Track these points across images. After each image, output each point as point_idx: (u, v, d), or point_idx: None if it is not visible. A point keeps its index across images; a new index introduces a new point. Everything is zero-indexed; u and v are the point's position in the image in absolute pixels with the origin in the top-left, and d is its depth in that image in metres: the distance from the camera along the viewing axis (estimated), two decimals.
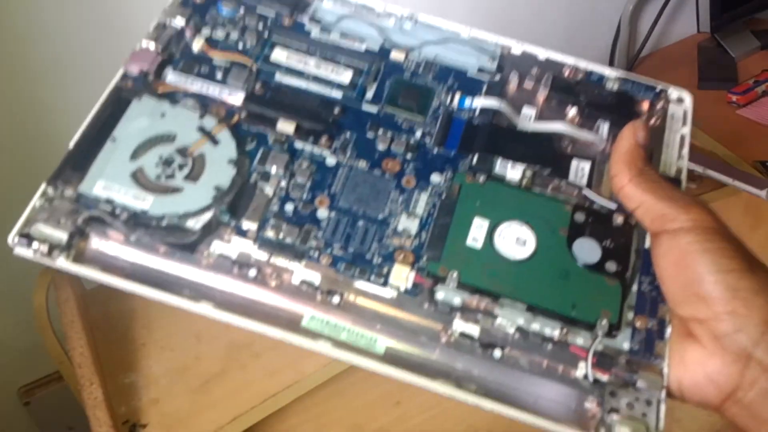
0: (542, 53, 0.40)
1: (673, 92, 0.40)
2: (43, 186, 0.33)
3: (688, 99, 0.40)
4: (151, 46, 0.37)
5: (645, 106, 0.39)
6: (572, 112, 0.38)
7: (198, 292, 0.32)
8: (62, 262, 0.31)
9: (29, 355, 0.81)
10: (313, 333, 0.31)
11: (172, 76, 0.37)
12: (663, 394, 0.30)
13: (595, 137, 0.37)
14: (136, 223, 0.32)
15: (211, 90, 0.36)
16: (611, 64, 1.16)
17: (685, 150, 0.38)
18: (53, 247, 0.31)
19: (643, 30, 1.12)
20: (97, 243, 0.32)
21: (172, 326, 0.67)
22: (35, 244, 0.31)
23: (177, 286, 0.32)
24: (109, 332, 0.66)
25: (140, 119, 0.35)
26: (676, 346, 0.31)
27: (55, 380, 0.84)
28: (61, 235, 0.32)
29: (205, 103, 0.36)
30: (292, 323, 0.31)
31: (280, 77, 0.37)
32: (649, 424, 0.30)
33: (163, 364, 0.64)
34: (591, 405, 0.31)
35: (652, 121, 0.38)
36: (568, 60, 0.40)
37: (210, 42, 0.38)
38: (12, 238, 0.31)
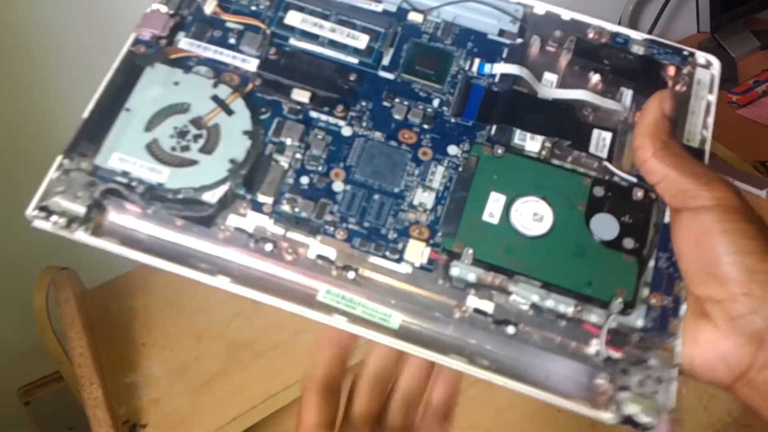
0: (566, 13, 0.39)
1: (701, 56, 0.38)
2: (59, 158, 0.33)
3: (716, 63, 0.38)
4: (162, 8, 0.36)
5: (671, 71, 0.38)
6: (595, 78, 0.37)
7: (215, 266, 0.32)
8: (81, 235, 0.32)
9: (29, 355, 0.80)
10: (329, 307, 0.31)
11: (184, 42, 0.36)
12: (675, 372, 0.31)
13: (618, 106, 0.36)
14: (153, 196, 0.32)
15: (225, 56, 0.36)
16: None
17: (711, 119, 0.37)
18: (71, 221, 0.32)
19: (643, 30, 1.10)
20: (114, 216, 0.32)
21: (172, 326, 0.66)
22: (54, 217, 0.32)
23: (194, 260, 0.32)
24: (109, 332, 0.65)
25: (153, 88, 0.34)
26: (690, 325, 0.31)
27: (55, 380, 0.83)
28: (79, 208, 0.32)
29: (218, 70, 0.35)
30: (308, 297, 0.32)
31: (295, 42, 0.36)
32: (659, 401, 0.30)
33: (163, 364, 0.64)
34: (602, 382, 0.31)
35: (678, 87, 0.37)
36: (593, 21, 0.39)
37: (222, 4, 0.37)
38: (30, 210, 0.32)
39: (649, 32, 1.08)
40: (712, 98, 0.37)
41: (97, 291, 0.69)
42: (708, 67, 0.38)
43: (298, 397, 0.61)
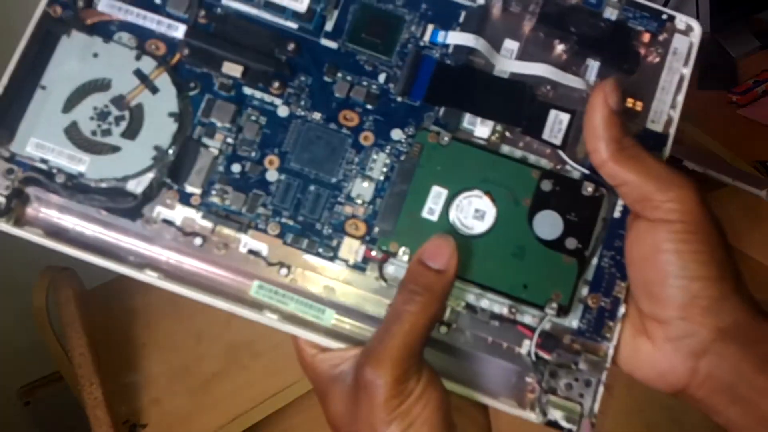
0: None
1: (681, 20, 0.35)
2: None
3: (697, 29, 0.35)
4: None
5: (645, 38, 0.34)
6: (559, 48, 0.34)
7: (143, 260, 0.31)
8: (4, 226, 0.31)
9: (29, 355, 0.79)
10: (260, 304, 0.31)
11: (104, 3, 0.32)
12: (603, 376, 0.31)
13: (581, 83, 0.33)
14: (74, 186, 0.31)
15: (149, 21, 0.32)
16: None
17: (681, 96, 0.34)
18: None
19: None
20: (37, 205, 0.31)
21: (172, 326, 0.65)
22: None
23: (122, 252, 0.31)
24: (109, 332, 0.64)
25: (70, 62, 0.31)
26: (631, 339, 0.31)
27: (55, 380, 0.82)
28: None
29: (142, 37, 0.32)
30: (240, 293, 0.31)
31: (227, 2, 0.33)
32: (584, 405, 0.31)
33: (163, 364, 0.63)
34: (531, 383, 0.31)
35: (651, 57, 0.34)
36: None
37: None
38: None
39: None
40: (687, 71, 0.34)
41: (97, 291, 0.69)
42: (687, 33, 0.35)
43: (298, 397, 0.62)
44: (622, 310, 0.31)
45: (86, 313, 0.63)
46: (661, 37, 0.34)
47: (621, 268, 0.32)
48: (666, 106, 0.34)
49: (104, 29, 0.32)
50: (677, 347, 0.29)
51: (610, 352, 0.31)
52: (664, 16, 0.34)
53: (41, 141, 0.31)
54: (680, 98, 0.34)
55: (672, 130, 0.33)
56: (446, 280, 0.29)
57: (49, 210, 0.31)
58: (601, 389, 0.31)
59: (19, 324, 0.76)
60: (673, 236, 0.28)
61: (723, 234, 0.29)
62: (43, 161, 0.30)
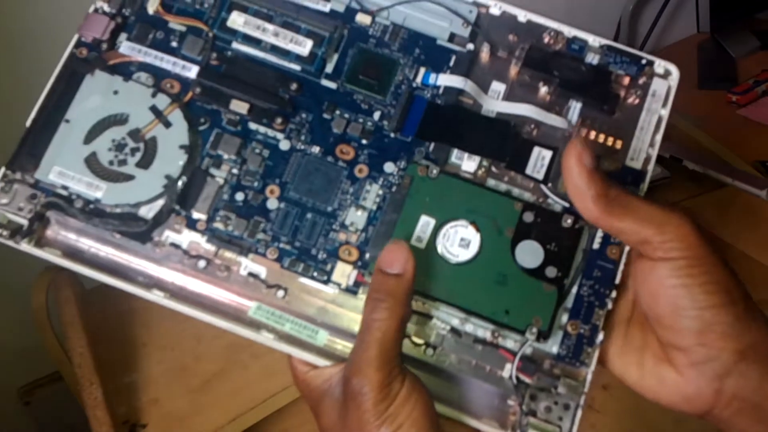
0: (522, 14, 0.37)
1: (660, 65, 0.37)
2: (2, 170, 0.34)
3: (675, 73, 0.37)
4: (105, 7, 0.36)
5: (624, 81, 0.36)
6: (543, 90, 0.36)
7: (151, 280, 0.34)
8: (25, 246, 0.33)
9: (29, 355, 0.79)
10: (258, 323, 0.33)
11: (125, 46, 0.36)
12: (582, 399, 0.32)
13: (563, 123, 0.36)
14: (91, 211, 0.33)
15: (165, 62, 0.35)
16: None
17: (659, 136, 0.36)
18: (15, 232, 0.33)
19: (643, 30, 1.10)
20: (56, 228, 0.34)
21: (172, 326, 0.66)
22: (0, 230, 0.33)
23: (132, 273, 0.34)
24: (109, 332, 0.65)
25: (93, 98, 0.34)
26: (654, 367, 0.32)
27: (55, 380, 0.82)
28: (22, 220, 0.33)
29: (159, 76, 0.35)
30: (239, 313, 0.33)
31: (237, 46, 0.36)
32: (563, 428, 0.32)
33: (163, 364, 0.63)
34: (513, 406, 0.33)
35: (631, 99, 0.36)
36: (550, 23, 0.37)
37: (165, 2, 0.36)
38: None
39: (649, 32, 1.05)
40: (665, 113, 0.36)
41: (97, 291, 0.69)
42: (666, 77, 0.37)
43: (298, 397, 0.62)
44: (600, 336, 0.33)
45: (86, 313, 0.63)
46: (640, 81, 0.37)
47: (599, 297, 0.33)
48: (645, 145, 0.36)
49: (125, 69, 0.35)
50: (701, 371, 0.30)
51: (589, 377, 0.33)
52: (644, 61, 0.37)
53: (63, 169, 0.33)
54: (658, 137, 0.36)
55: (650, 167, 0.35)
56: (406, 282, 0.31)
57: (67, 232, 0.34)
58: (579, 413, 0.32)
59: (19, 324, 0.77)
60: (678, 272, 0.30)
61: (724, 259, 0.30)
62: (64, 188, 0.33)
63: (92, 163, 0.34)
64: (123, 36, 0.36)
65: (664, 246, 0.30)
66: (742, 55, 1.08)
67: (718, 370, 0.30)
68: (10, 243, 0.33)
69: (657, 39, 1.16)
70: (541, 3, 1.01)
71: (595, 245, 0.34)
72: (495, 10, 0.37)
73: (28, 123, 0.34)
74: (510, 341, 0.33)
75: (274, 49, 0.36)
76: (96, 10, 0.36)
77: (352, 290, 0.33)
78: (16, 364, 0.83)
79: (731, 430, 0.31)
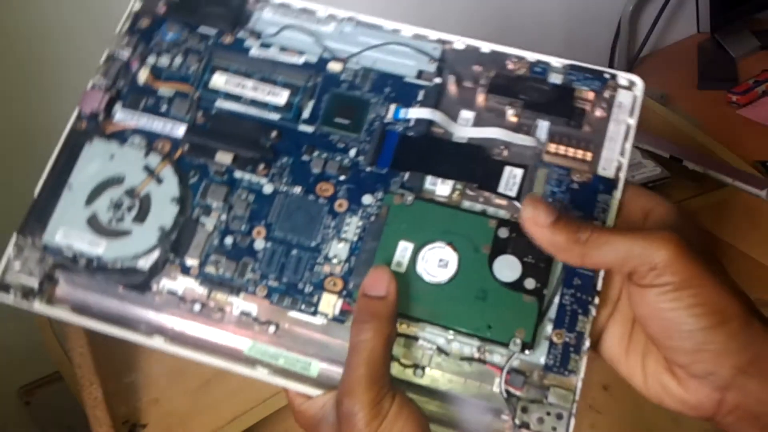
0: (486, 46, 0.39)
1: (623, 77, 0.38)
2: (14, 237, 0.37)
3: (639, 84, 0.38)
4: (101, 82, 0.39)
5: (589, 96, 0.38)
6: (510, 113, 0.38)
7: (152, 327, 0.36)
8: (38, 306, 0.36)
9: (29, 355, 0.80)
10: (254, 360, 0.35)
11: (120, 114, 0.39)
12: (574, 408, 0.32)
13: (531, 141, 0.37)
14: (95, 267, 0.36)
15: (156, 125, 0.38)
16: (611, 64, 1.15)
17: (629, 144, 0.37)
18: (28, 293, 0.36)
19: (643, 30, 1.11)
20: (65, 286, 0.36)
21: None
22: (13, 292, 0.36)
23: (134, 322, 0.36)
24: None
25: (92, 164, 0.37)
26: (658, 375, 0.32)
27: (55, 380, 0.82)
28: (33, 283, 0.36)
29: (151, 138, 0.38)
30: (235, 352, 0.35)
31: (220, 103, 0.39)
32: None
33: (163, 364, 0.64)
34: (507, 420, 0.33)
35: (598, 113, 0.37)
36: (513, 51, 0.39)
37: (155, 71, 0.40)
38: None
39: (649, 32, 1.07)
40: (633, 122, 0.37)
41: None
42: (631, 88, 0.38)
43: None
44: (587, 344, 0.33)
45: None
46: (605, 94, 0.38)
47: (582, 304, 0.34)
48: (615, 154, 0.37)
49: (120, 135, 0.38)
50: (701, 384, 0.30)
51: (578, 384, 0.33)
52: (606, 75, 0.38)
53: (68, 231, 0.36)
54: (628, 145, 0.37)
55: (622, 175, 0.36)
56: (389, 304, 0.32)
57: (75, 289, 0.36)
58: (572, 422, 0.32)
59: (19, 324, 0.77)
60: (666, 297, 0.30)
61: (717, 274, 0.30)
62: (69, 248, 0.36)
63: (93, 223, 0.36)
64: (118, 105, 0.39)
65: (650, 274, 0.30)
66: (742, 55, 1.07)
67: (717, 383, 0.30)
68: (24, 304, 0.36)
69: (657, 39, 1.16)
70: (542, 4, 1.04)
71: None
72: (459, 45, 0.39)
73: (36, 192, 0.37)
74: (497, 356, 0.33)
75: (254, 102, 0.39)
76: (93, 86, 0.39)
77: (339, 319, 0.35)
78: (16, 364, 0.83)
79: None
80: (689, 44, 1.13)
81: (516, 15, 1.01)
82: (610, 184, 0.36)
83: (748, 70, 1.04)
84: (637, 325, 0.34)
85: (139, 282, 0.36)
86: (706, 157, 0.75)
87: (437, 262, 0.34)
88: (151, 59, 0.40)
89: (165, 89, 0.39)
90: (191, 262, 0.36)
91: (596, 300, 0.34)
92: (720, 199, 0.75)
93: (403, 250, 0.35)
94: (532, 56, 0.39)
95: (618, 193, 0.36)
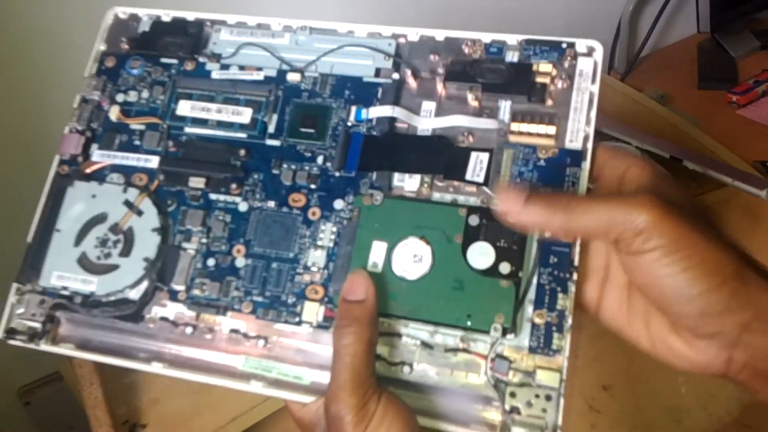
0: (439, 33, 0.39)
1: (581, 44, 0.37)
2: (14, 286, 0.39)
3: (598, 48, 0.37)
4: (76, 126, 0.41)
5: (548, 68, 0.37)
6: (470, 98, 0.37)
7: (150, 354, 0.37)
8: (44, 346, 0.38)
9: (29, 355, 0.77)
10: (249, 375, 0.36)
11: (97, 155, 0.40)
12: (562, 387, 0.32)
13: (493, 123, 0.37)
14: (89, 303, 0.37)
15: (131, 159, 0.40)
16: (611, 64, 1.13)
17: (593, 113, 0.36)
18: (33, 336, 0.38)
19: (643, 30, 1.11)
20: (66, 324, 0.38)
21: None
22: (20, 336, 0.38)
23: (134, 351, 0.37)
24: None
25: (76, 206, 0.39)
26: (662, 337, 0.32)
27: (55, 380, 0.82)
28: (36, 325, 0.38)
29: (128, 173, 0.39)
30: (231, 369, 0.36)
31: (189, 129, 0.40)
32: (547, 420, 0.32)
33: None
34: (496, 407, 0.33)
35: (560, 84, 0.37)
36: (466, 35, 0.39)
37: (124, 108, 0.41)
38: (0, 334, 0.38)
39: (649, 32, 1.06)
40: (595, 89, 0.37)
41: None
42: (591, 53, 0.37)
43: None
44: (569, 321, 0.33)
45: None
46: (565, 64, 0.37)
47: (560, 282, 0.33)
48: (581, 124, 0.36)
49: (99, 174, 0.40)
50: (708, 344, 0.30)
51: (565, 363, 0.32)
52: (564, 45, 0.37)
53: (61, 273, 0.38)
54: (593, 114, 0.36)
55: (590, 145, 0.36)
56: (369, 307, 0.32)
57: (76, 327, 0.38)
58: (561, 401, 0.32)
59: None
60: (658, 263, 0.29)
61: (707, 230, 0.29)
62: (64, 288, 0.38)
63: (84, 262, 0.38)
64: (94, 146, 0.40)
65: (637, 240, 0.29)
66: (742, 55, 1.07)
67: (723, 342, 0.29)
68: (31, 346, 0.38)
69: (657, 39, 1.16)
70: (541, 4, 1.03)
71: (547, 234, 0.34)
72: (413, 37, 0.39)
73: (29, 239, 0.39)
74: (480, 344, 0.34)
75: (220, 124, 0.39)
76: (70, 130, 0.41)
77: (323, 326, 0.35)
78: (16, 364, 0.83)
79: (748, 391, 0.30)
80: (689, 44, 1.13)
81: (516, 15, 1.01)
82: (578, 156, 0.35)
83: (748, 70, 1.04)
84: (633, 290, 0.33)
85: (132, 312, 0.37)
86: (706, 157, 0.74)
87: (412, 258, 0.35)
88: (119, 97, 0.41)
89: (136, 124, 0.40)
90: (178, 287, 0.37)
91: (575, 276, 0.33)
92: (720, 199, 0.74)
93: (378, 250, 0.35)
94: (486, 37, 0.38)
95: (587, 164, 0.35)
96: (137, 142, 0.40)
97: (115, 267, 0.38)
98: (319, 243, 0.36)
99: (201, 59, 0.41)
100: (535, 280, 0.34)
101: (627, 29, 1.09)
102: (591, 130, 0.36)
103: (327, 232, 0.37)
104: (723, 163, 0.73)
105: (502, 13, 1.00)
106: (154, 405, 0.62)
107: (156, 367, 0.36)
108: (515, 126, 0.36)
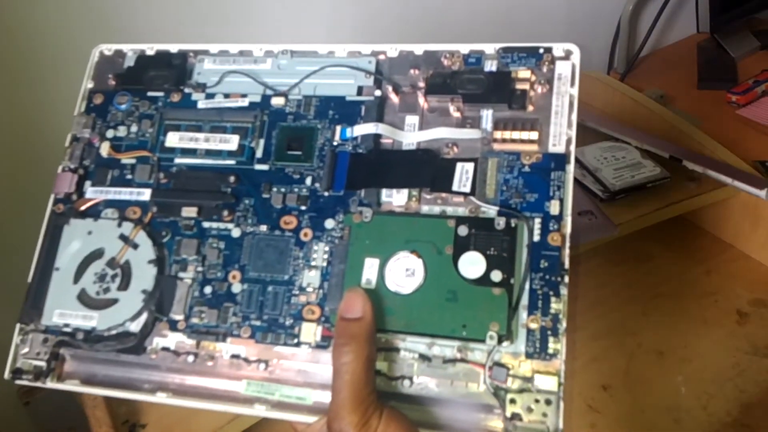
0: (418, 48, 0.40)
1: (558, 48, 0.38)
2: (18, 327, 0.39)
3: (576, 51, 0.38)
4: (69, 165, 0.41)
5: (527, 75, 0.37)
6: (452, 109, 0.38)
7: (154, 385, 0.37)
8: (50, 384, 0.38)
9: None
10: (252, 399, 0.36)
11: (90, 191, 0.41)
12: (561, 391, 0.32)
13: (475, 133, 0.37)
14: (91, 339, 0.38)
15: (123, 194, 0.40)
16: (611, 64, 1.13)
17: (574, 116, 0.36)
18: (39, 375, 0.38)
19: (642, 30, 1.11)
20: (71, 361, 0.39)
21: None
22: (26, 375, 0.38)
23: (138, 382, 0.38)
24: None
25: (73, 244, 0.40)
26: None
27: None
28: (42, 364, 0.38)
29: (122, 207, 0.40)
30: (234, 394, 0.36)
31: (178, 160, 0.40)
32: (548, 425, 0.32)
33: None
34: (498, 414, 0.33)
35: (540, 89, 0.37)
36: (444, 47, 0.39)
37: (114, 144, 0.42)
38: (7, 374, 0.39)
39: (649, 32, 1.07)
40: (575, 91, 0.37)
41: None
42: (568, 57, 0.37)
43: None
44: (564, 324, 0.33)
45: None
46: (543, 69, 0.37)
47: (552, 286, 0.34)
48: (563, 128, 0.36)
49: (94, 210, 0.40)
50: None
51: (562, 367, 0.33)
52: (541, 50, 0.38)
53: (62, 310, 0.38)
54: (574, 117, 0.36)
55: (572, 148, 0.36)
56: (366, 324, 0.33)
57: (80, 363, 0.39)
58: (561, 405, 0.32)
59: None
60: None
61: None
62: (66, 325, 0.38)
63: (84, 298, 0.39)
64: (88, 183, 0.41)
65: None
66: (742, 55, 1.07)
67: None
68: (38, 384, 0.39)
69: (656, 39, 1.16)
70: (543, 4, 1.03)
71: (536, 237, 0.34)
72: (392, 53, 0.40)
73: (29, 279, 0.40)
74: (477, 353, 0.34)
75: (209, 153, 0.40)
76: (63, 169, 0.42)
77: (322, 345, 0.36)
78: None
79: None
80: (689, 44, 1.13)
81: (516, 15, 1.01)
82: (561, 159, 0.36)
83: (748, 69, 1.03)
84: None
85: (133, 345, 0.38)
86: (706, 157, 0.74)
87: (404, 272, 0.35)
88: (109, 133, 0.42)
89: (126, 159, 0.41)
90: (177, 317, 0.37)
91: (566, 279, 0.33)
92: (720, 199, 0.74)
93: (370, 266, 0.36)
94: (464, 48, 0.39)
95: (571, 167, 0.35)
96: (129, 176, 0.41)
97: (114, 301, 0.38)
98: (313, 263, 0.37)
99: (186, 90, 0.42)
100: (527, 286, 0.34)
101: (627, 29, 1.09)
102: (573, 133, 0.36)
103: (320, 252, 0.37)
104: (723, 163, 0.73)
105: (503, 12, 0.99)
106: (154, 405, 0.58)
107: (161, 397, 0.37)
108: (498, 134, 0.37)
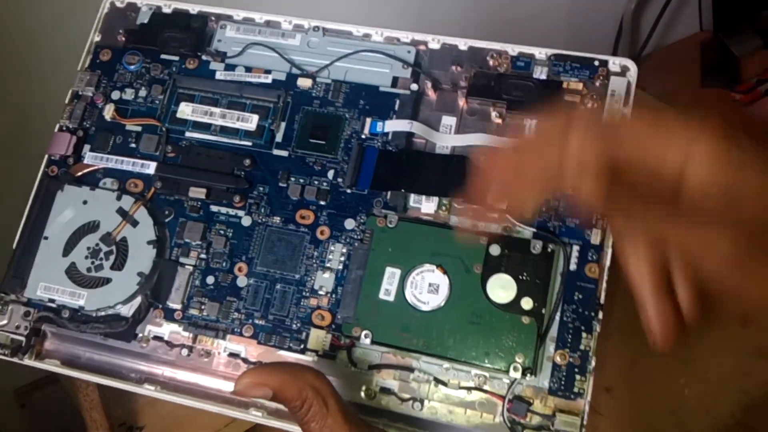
0: (462, 43, 0.37)
1: (614, 63, 0.35)
2: None
3: (633, 68, 0.35)
4: (67, 124, 0.38)
5: (579, 87, 0.35)
6: (494, 115, 0.35)
7: (142, 375, 0.35)
8: (28, 361, 0.35)
9: None
10: (247, 402, 0.33)
11: (89, 156, 0.37)
12: None
13: None
14: (78, 318, 0.35)
15: (126, 164, 0.37)
16: None
17: None
18: (17, 350, 0.35)
19: (645, 28, 1.08)
20: (52, 339, 0.36)
21: None
22: (2, 350, 0.35)
23: (125, 371, 0.35)
24: None
25: (66, 212, 0.36)
26: None
27: (52, 382, 0.81)
28: (20, 338, 0.35)
29: (122, 178, 0.37)
30: (227, 394, 0.34)
31: (189, 134, 0.37)
32: None
33: None
34: None
35: (589, 105, 0.35)
36: (492, 45, 0.36)
37: (119, 107, 0.38)
38: None
39: (651, 30, 1.05)
40: (627, 111, 0.34)
41: None
42: (624, 73, 0.35)
43: None
44: (592, 363, 0.31)
45: None
46: (597, 83, 0.35)
47: (585, 321, 0.31)
48: None
49: (91, 178, 0.37)
50: None
51: (585, 408, 0.31)
52: (596, 63, 0.35)
53: (48, 284, 0.35)
54: None
55: None
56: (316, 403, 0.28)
57: (62, 342, 0.36)
58: None
59: None
60: None
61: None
62: (51, 300, 0.35)
63: (72, 273, 0.35)
64: (87, 147, 0.38)
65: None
66: (746, 54, 1.04)
67: None
68: (14, 360, 0.36)
69: (659, 37, 1.14)
70: (544, 3, 1.00)
71: (572, 266, 0.32)
72: (434, 45, 0.37)
73: (14, 245, 0.36)
74: (497, 383, 0.32)
75: (224, 130, 0.37)
76: (60, 128, 0.38)
77: (330, 355, 0.33)
78: (12, 366, 0.81)
79: None
80: (692, 43, 1.09)
81: (517, 15, 0.99)
82: None
83: (752, 68, 1.00)
84: None
85: (123, 330, 0.35)
86: None
87: (427, 287, 0.33)
88: (115, 94, 0.38)
89: (132, 125, 0.38)
90: (174, 306, 0.35)
91: (600, 315, 0.31)
92: None
93: (391, 276, 0.33)
94: (513, 49, 0.36)
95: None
96: (133, 145, 0.37)
97: (106, 280, 0.35)
98: (328, 265, 0.34)
99: (204, 57, 0.38)
100: (557, 317, 0.32)
101: (629, 27, 1.07)
102: None
103: (336, 254, 0.34)
104: None
105: (503, 12, 0.97)
106: (151, 407, 0.61)
107: (148, 390, 0.34)
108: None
